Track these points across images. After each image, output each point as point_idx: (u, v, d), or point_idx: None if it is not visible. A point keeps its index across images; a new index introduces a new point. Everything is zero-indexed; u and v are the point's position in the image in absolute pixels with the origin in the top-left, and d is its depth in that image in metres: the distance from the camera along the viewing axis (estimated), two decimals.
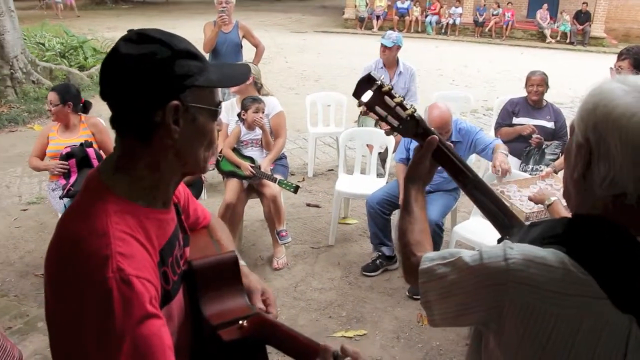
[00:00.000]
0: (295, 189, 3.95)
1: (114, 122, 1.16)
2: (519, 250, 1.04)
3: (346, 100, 5.93)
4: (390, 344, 3.28)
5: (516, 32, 19.43)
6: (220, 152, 4.14)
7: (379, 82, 1.34)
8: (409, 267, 1.28)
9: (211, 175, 4.54)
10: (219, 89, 1.30)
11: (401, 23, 20.45)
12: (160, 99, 1.10)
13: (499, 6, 19.34)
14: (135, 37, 1.12)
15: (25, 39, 10.74)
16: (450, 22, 19.69)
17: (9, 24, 8.28)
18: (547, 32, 18.52)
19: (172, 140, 1.13)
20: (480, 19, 19.41)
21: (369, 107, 1.36)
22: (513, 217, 1.39)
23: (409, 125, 1.37)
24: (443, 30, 19.82)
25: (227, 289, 1.26)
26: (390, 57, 5.31)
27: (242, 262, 1.41)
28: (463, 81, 11.64)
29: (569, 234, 1.06)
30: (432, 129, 1.38)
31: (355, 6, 21.08)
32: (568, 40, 18.26)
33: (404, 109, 1.36)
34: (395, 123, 1.37)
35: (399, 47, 5.31)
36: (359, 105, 1.38)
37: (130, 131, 1.14)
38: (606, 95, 1.00)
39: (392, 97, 1.35)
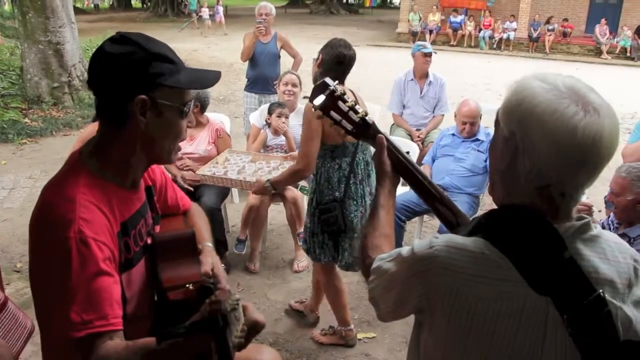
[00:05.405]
0: None
1: (97, 109, 1.33)
2: (443, 239, 1.10)
3: (379, 110, 5.98)
4: (397, 348, 3.32)
5: (572, 47, 18.97)
6: None
7: (331, 88, 1.40)
8: (365, 270, 1.32)
9: None
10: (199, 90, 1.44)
11: (454, 37, 20.36)
12: (132, 93, 1.26)
13: (551, 21, 18.97)
14: (118, 38, 1.30)
15: (87, 49, 11.37)
16: (504, 37, 19.39)
17: (69, 35, 8.80)
18: (604, 47, 17.98)
19: (140, 130, 1.29)
20: (535, 34, 19.06)
21: (324, 111, 1.42)
22: (459, 215, 1.42)
23: (361, 128, 1.43)
24: (495, 45, 19.55)
25: (182, 259, 1.40)
26: (427, 65, 5.33)
27: (208, 244, 1.54)
28: None
29: (491, 223, 1.11)
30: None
31: (409, 20, 21.07)
32: (628, 56, 17.69)
33: (356, 112, 1.41)
34: (350, 127, 1.43)
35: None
36: (314, 109, 1.44)
37: (108, 118, 1.32)
38: (529, 92, 1.05)
39: (344, 101, 1.41)
